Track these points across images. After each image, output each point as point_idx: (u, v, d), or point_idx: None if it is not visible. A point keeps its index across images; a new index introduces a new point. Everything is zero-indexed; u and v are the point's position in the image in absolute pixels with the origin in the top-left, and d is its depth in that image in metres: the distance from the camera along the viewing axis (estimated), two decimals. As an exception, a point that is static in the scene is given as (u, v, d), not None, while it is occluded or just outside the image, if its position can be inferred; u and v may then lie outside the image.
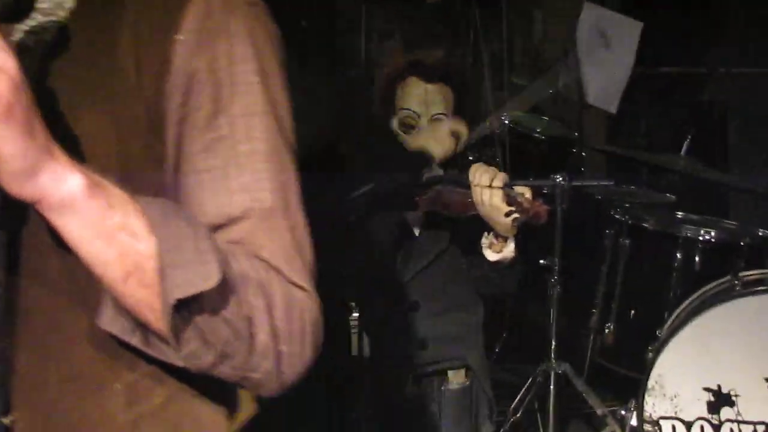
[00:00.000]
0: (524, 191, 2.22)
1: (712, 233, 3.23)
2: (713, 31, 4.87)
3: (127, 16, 0.96)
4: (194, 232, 0.92)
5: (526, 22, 5.58)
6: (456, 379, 2.38)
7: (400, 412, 2.32)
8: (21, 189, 0.85)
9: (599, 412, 3.12)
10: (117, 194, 0.90)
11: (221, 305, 0.92)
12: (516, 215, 2.16)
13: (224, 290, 0.91)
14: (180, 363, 0.94)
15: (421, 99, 2.30)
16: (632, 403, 2.93)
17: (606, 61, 3.90)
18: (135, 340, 0.93)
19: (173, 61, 0.96)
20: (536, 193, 2.29)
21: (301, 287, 1.00)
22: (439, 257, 2.34)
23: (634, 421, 2.90)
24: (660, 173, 4.01)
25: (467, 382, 2.39)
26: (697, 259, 3.24)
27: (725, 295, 2.89)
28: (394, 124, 2.34)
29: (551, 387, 3.03)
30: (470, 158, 2.76)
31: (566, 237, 3.16)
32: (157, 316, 0.89)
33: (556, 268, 3.09)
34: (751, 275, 2.99)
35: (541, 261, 3.17)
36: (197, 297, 0.89)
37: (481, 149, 4.06)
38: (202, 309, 0.91)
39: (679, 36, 4.70)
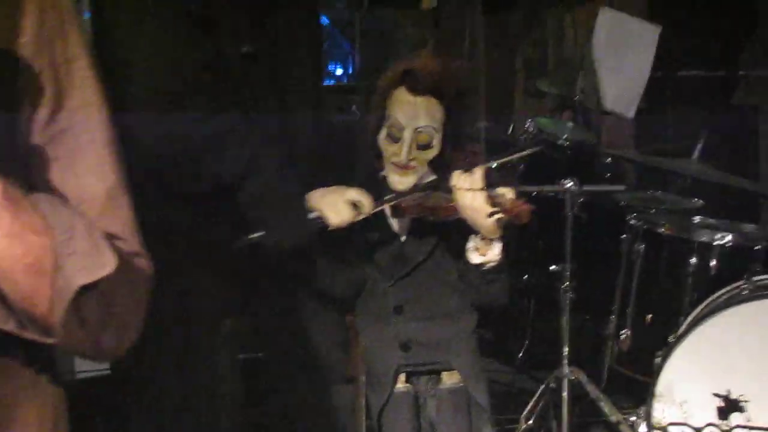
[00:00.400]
0: (506, 192, 2.22)
1: (728, 237, 3.19)
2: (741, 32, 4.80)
3: None
4: (83, 222, 0.99)
5: (557, 28, 5.56)
6: (450, 379, 2.40)
7: (393, 410, 2.35)
8: None
9: (612, 419, 3.09)
10: (18, 193, 0.95)
11: (106, 288, 0.99)
12: (498, 215, 2.17)
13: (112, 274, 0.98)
14: (54, 343, 0.99)
15: (407, 111, 2.29)
16: (641, 410, 2.90)
17: (623, 66, 3.86)
18: (9, 326, 0.99)
19: (19, 62, 1.02)
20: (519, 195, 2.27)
21: (141, 255, 1.09)
22: (423, 263, 2.35)
23: (643, 428, 2.87)
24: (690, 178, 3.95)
25: (462, 383, 2.40)
26: (713, 263, 3.20)
27: (734, 300, 2.85)
28: (382, 135, 2.35)
29: (563, 394, 3.02)
30: (493, 165, 2.72)
31: (583, 243, 3.14)
32: (49, 304, 0.95)
33: (567, 274, 3.09)
34: (764, 279, 2.94)
35: (552, 267, 3.17)
36: (93, 283, 0.96)
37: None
38: (93, 294, 0.97)
39: (708, 38, 4.64)
